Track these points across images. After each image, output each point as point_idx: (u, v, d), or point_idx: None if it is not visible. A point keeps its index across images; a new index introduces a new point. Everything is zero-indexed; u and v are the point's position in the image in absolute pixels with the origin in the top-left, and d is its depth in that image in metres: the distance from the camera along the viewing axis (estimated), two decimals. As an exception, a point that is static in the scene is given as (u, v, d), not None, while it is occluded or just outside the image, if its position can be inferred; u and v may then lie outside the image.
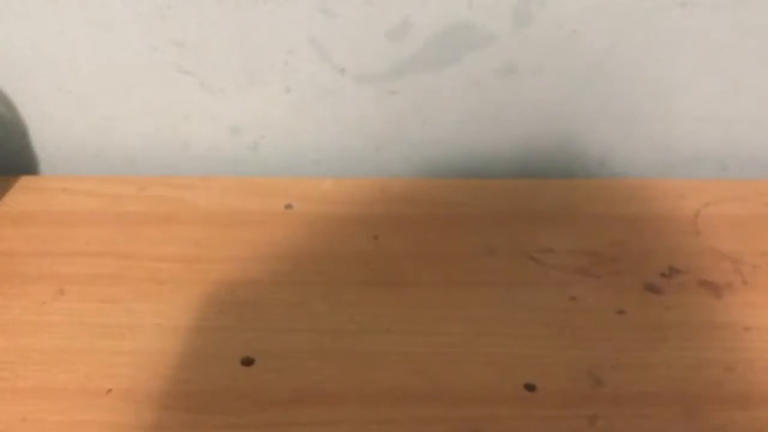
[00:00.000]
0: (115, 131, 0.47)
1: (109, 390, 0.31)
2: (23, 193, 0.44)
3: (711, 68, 0.44)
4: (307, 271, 0.38)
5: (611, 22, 0.42)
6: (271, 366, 0.32)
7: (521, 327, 0.34)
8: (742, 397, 0.31)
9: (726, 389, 0.31)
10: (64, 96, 0.45)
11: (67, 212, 0.42)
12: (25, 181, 0.45)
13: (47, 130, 0.47)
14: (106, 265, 0.38)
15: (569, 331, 0.34)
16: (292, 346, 0.33)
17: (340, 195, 0.44)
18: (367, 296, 0.36)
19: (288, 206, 0.43)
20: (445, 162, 0.48)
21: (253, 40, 0.43)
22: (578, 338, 0.34)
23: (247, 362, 0.32)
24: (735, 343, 0.33)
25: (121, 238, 0.40)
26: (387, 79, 0.44)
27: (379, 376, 0.32)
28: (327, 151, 0.48)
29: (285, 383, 0.31)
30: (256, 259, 0.39)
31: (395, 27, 0.42)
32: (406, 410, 0.30)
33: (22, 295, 0.36)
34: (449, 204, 0.43)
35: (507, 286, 0.37)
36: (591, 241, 0.40)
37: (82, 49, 0.43)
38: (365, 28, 0.42)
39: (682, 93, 0.45)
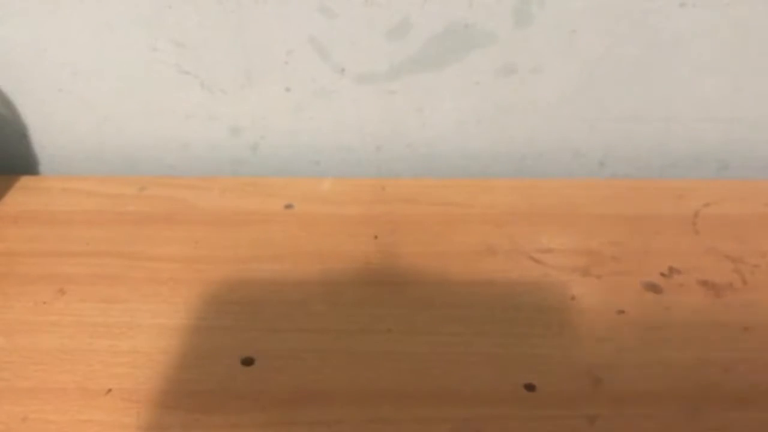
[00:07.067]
0: (115, 131, 0.47)
1: (109, 390, 0.31)
2: (23, 193, 0.44)
3: (711, 68, 0.44)
4: (307, 271, 0.38)
5: (611, 22, 0.42)
6: (271, 366, 0.32)
7: (521, 327, 0.34)
8: (742, 397, 0.31)
9: (726, 389, 0.31)
10: (65, 96, 0.45)
11: (67, 212, 0.42)
12: (25, 181, 0.45)
13: (47, 130, 0.47)
14: (106, 265, 0.38)
15: (569, 331, 0.34)
16: (292, 346, 0.33)
17: (340, 195, 0.44)
18: (367, 296, 0.36)
19: (288, 206, 0.43)
20: (445, 162, 0.48)
21: (253, 40, 0.43)
22: (578, 338, 0.34)
23: (247, 362, 0.32)
24: (735, 343, 0.33)
25: (121, 238, 0.40)
26: (387, 79, 0.44)
27: (379, 376, 0.32)
28: (327, 151, 0.48)
29: (285, 383, 0.31)
30: (256, 259, 0.39)
31: (395, 27, 0.42)
32: (406, 410, 0.30)
33: (22, 295, 0.36)
34: (449, 204, 0.43)
35: (507, 286, 0.37)
36: (591, 241, 0.40)
37: (82, 49, 0.43)
38: (365, 28, 0.42)
39: (682, 93, 0.45)
